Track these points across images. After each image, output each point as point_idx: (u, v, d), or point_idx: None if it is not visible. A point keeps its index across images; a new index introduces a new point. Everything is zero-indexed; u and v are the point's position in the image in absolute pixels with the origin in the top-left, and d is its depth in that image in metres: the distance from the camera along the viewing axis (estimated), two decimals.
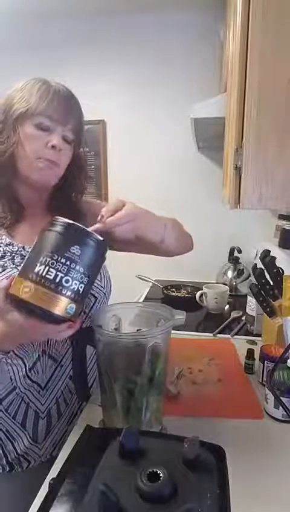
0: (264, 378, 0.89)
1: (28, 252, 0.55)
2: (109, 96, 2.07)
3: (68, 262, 0.52)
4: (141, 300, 1.70)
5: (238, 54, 0.73)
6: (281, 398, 0.74)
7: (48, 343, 0.76)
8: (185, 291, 1.79)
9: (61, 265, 0.52)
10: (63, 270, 0.52)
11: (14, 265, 0.71)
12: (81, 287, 0.54)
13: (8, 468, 0.78)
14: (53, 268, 0.52)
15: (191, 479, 0.43)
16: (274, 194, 0.76)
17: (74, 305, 0.54)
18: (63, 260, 0.52)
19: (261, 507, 0.56)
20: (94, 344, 0.64)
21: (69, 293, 0.53)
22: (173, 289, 1.81)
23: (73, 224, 0.55)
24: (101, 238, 0.56)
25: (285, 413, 0.74)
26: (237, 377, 0.96)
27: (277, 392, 0.74)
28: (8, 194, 0.75)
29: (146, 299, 1.73)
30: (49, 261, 0.52)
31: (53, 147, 0.70)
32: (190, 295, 1.70)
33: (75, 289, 0.53)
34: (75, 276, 0.53)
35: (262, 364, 0.91)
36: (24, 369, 0.74)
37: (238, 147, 0.76)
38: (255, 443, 0.71)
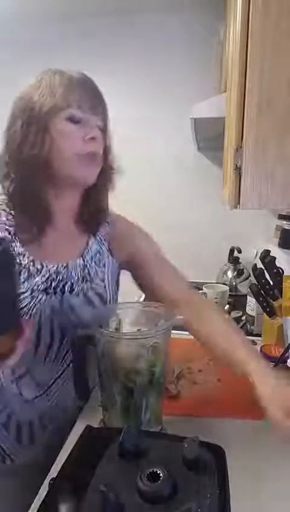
0: None
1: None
2: (108, 96, 2.06)
3: None
4: (141, 300, 1.70)
5: (238, 54, 0.73)
6: None
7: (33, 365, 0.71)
8: None
9: None
10: None
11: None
12: None
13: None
14: None
15: (191, 479, 0.43)
16: (274, 194, 0.76)
17: None
18: None
19: (261, 507, 0.56)
20: (94, 344, 0.64)
21: None
22: None
23: None
24: None
25: None
26: (237, 377, 0.96)
27: None
28: (36, 203, 0.67)
29: (146, 299, 1.72)
30: None
31: (92, 138, 0.66)
32: None
33: None
34: None
35: None
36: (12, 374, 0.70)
37: (238, 147, 0.76)
38: (255, 443, 0.71)
